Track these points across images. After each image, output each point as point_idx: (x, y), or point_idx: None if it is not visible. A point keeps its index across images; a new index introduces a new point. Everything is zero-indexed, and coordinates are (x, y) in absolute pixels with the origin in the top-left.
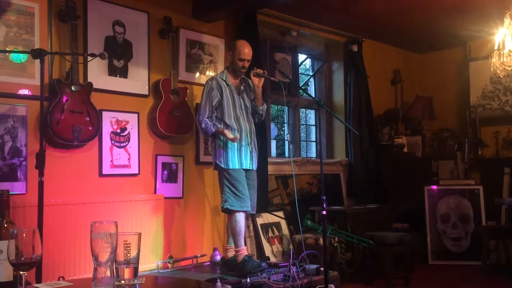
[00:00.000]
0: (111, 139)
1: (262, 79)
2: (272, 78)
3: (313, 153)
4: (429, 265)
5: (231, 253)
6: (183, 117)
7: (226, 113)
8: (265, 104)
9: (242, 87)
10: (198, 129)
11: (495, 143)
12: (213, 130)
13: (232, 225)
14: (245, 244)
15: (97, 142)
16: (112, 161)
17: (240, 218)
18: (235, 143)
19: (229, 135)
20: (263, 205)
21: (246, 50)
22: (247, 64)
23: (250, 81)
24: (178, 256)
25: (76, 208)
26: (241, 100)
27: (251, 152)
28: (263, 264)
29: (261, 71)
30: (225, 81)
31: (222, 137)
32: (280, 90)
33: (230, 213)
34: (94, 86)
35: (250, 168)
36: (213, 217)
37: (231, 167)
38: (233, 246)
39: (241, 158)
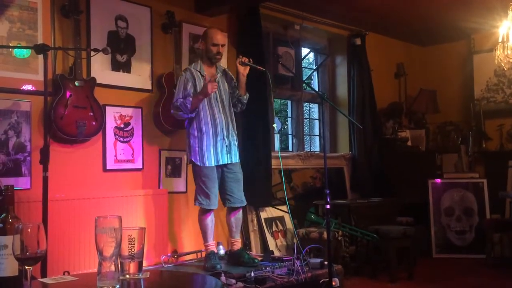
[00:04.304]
0: (115, 134)
1: (248, 68)
2: (258, 67)
3: (316, 147)
4: (433, 258)
5: (236, 246)
6: None
7: (201, 105)
8: (247, 93)
9: (217, 78)
10: None
11: (499, 136)
12: (189, 106)
13: (198, 221)
14: (249, 239)
15: (101, 137)
16: (116, 156)
17: (205, 216)
18: (211, 138)
19: (207, 86)
20: (267, 199)
21: (219, 36)
22: (222, 50)
23: (228, 71)
24: (182, 250)
25: (80, 203)
26: (216, 92)
27: (228, 146)
28: (218, 266)
29: (246, 60)
30: (199, 71)
31: (196, 133)
32: (283, 84)
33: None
34: (98, 81)
35: (229, 162)
36: (216, 211)
37: (207, 165)
38: (238, 239)
39: (217, 154)
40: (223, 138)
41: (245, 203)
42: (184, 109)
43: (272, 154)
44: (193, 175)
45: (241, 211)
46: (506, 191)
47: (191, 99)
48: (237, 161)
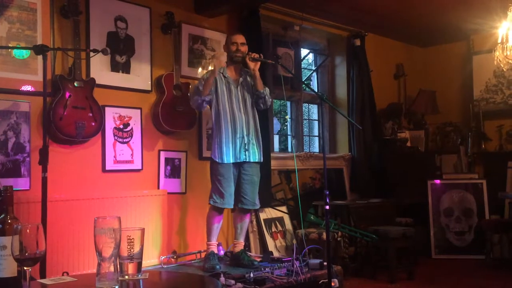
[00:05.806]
0: (114, 135)
1: (258, 63)
2: (269, 61)
3: (316, 148)
4: (432, 259)
5: (238, 248)
6: (186, 113)
7: (221, 103)
8: (267, 88)
9: (241, 79)
10: (201, 124)
11: (498, 137)
12: (201, 88)
13: (207, 218)
14: (249, 240)
15: (100, 138)
16: (115, 157)
17: (216, 215)
18: (229, 136)
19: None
20: (266, 200)
21: (236, 35)
22: (241, 47)
23: (248, 70)
24: (181, 251)
25: (79, 204)
26: (239, 92)
27: (247, 144)
28: (217, 266)
29: (256, 56)
30: (222, 73)
31: (216, 131)
32: (282, 84)
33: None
34: (97, 82)
35: (247, 160)
36: None
37: (225, 161)
38: (241, 241)
39: (235, 151)
40: (242, 136)
41: (258, 206)
42: (197, 92)
43: (272, 155)
44: (209, 173)
45: (249, 216)
46: (505, 191)
47: (203, 82)
48: (256, 162)
